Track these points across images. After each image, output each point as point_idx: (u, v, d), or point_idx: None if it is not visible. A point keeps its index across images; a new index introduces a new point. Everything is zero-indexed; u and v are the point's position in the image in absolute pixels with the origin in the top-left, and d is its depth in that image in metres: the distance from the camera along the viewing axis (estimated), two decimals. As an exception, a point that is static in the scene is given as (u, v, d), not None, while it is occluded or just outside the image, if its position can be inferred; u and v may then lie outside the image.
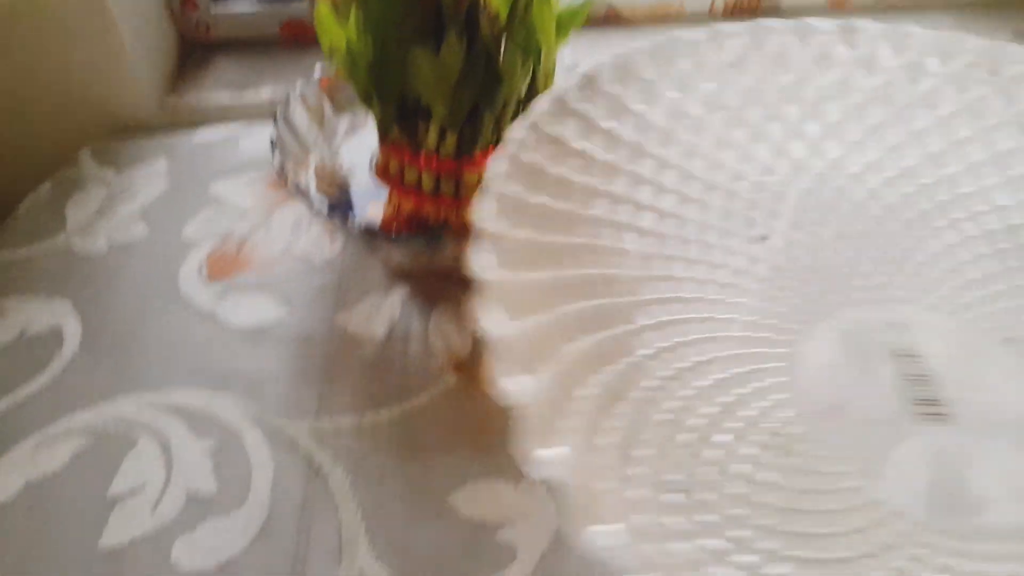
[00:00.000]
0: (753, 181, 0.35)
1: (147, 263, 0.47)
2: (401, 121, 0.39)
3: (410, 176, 0.41)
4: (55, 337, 0.42)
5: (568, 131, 0.32)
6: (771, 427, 0.27)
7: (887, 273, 0.32)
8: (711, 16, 0.68)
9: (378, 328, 0.42)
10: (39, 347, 0.42)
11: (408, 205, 0.42)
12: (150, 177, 0.53)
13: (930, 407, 0.27)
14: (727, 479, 0.26)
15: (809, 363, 0.29)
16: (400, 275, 0.45)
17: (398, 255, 0.39)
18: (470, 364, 0.40)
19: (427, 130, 0.38)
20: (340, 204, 0.44)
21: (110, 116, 0.60)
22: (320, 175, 0.45)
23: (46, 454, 0.36)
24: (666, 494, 0.25)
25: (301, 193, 0.38)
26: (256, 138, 0.56)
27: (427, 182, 0.40)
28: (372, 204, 0.44)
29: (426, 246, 0.38)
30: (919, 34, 0.34)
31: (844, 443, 0.27)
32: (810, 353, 0.29)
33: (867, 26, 0.35)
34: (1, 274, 0.46)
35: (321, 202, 0.41)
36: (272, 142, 0.41)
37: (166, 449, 0.37)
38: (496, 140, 0.39)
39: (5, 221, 0.50)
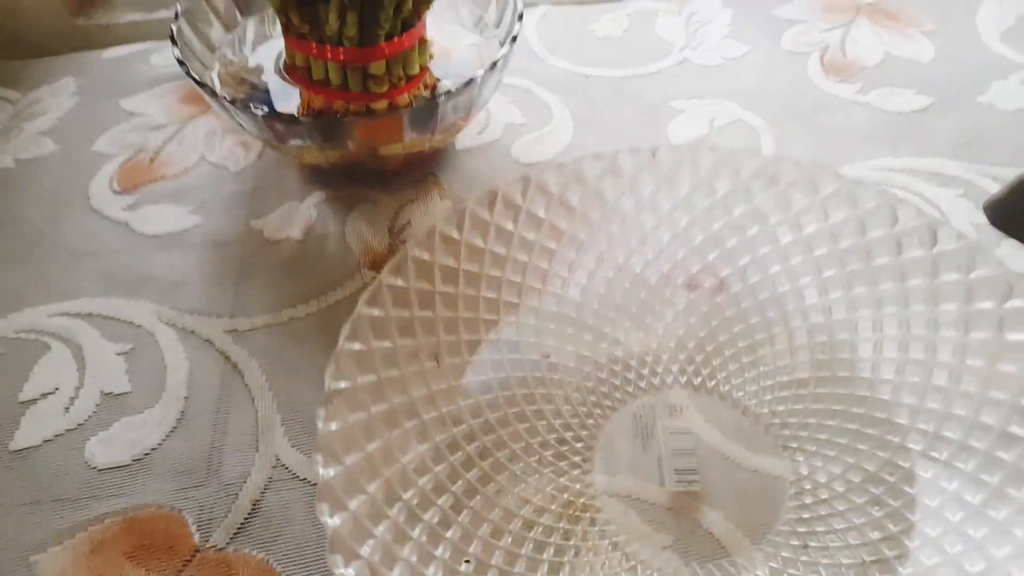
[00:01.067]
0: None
1: (56, 178, 0.45)
2: (301, 8, 0.37)
3: (317, 71, 0.40)
4: (-40, 253, 0.41)
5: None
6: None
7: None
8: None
9: (294, 231, 0.42)
10: (-56, 263, 0.40)
11: (317, 102, 0.41)
12: (58, 95, 0.51)
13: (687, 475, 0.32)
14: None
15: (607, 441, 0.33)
16: (315, 178, 0.44)
17: (306, 148, 0.39)
18: (387, 261, 0.40)
19: (327, 14, 0.37)
20: (243, 102, 0.43)
21: (17, 37, 0.57)
22: (226, 78, 0.44)
23: (-47, 364, 0.36)
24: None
25: (206, 90, 0.37)
26: (167, 53, 0.54)
27: (334, 76, 0.40)
28: (282, 106, 0.43)
29: (330, 135, 0.37)
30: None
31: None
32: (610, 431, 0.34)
33: (666, 153, 0.37)
34: (-99, 195, 0.44)
35: (223, 94, 0.40)
36: (172, 38, 0.39)
37: (79, 354, 0.36)
38: (400, 27, 0.39)
39: (-96, 144, 0.48)
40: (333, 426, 0.27)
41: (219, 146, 0.47)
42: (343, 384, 0.28)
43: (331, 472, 0.26)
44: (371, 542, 0.26)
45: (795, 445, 0.33)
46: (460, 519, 0.29)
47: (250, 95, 0.43)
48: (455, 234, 0.34)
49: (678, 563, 0.29)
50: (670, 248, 0.37)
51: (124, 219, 0.43)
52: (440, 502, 0.29)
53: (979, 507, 0.29)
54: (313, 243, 0.41)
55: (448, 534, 0.28)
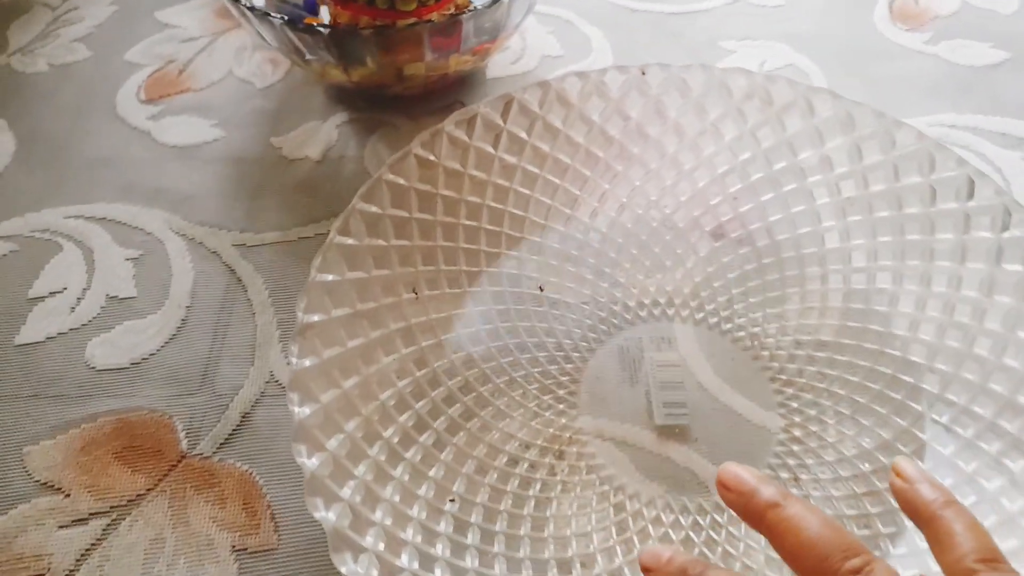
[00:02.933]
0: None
1: (86, 84, 0.45)
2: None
3: (344, -15, 0.38)
4: (-13, 151, 0.41)
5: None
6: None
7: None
8: None
9: (313, 151, 0.41)
10: (-29, 160, 0.41)
11: (343, 17, 0.40)
12: (96, 4, 0.51)
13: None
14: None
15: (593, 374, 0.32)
16: (339, 99, 0.43)
17: (323, 58, 0.37)
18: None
19: (354, -74, 0.35)
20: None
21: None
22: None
23: (-31, 257, 0.36)
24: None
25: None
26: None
27: (362, -8, 0.38)
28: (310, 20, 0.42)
29: (348, 49, 0.36)
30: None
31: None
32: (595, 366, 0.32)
33: (657, 73, 0.35)
34: (-63, 91, 0.45)
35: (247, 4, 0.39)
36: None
37: (89, 257, 0.36)
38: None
39: (-53, 43, 0.49)
40: (307, 362, 0.26)
41: (248, 61, 0.46)
42: (316, 317, 0.27)
43: (307, 411, 0.25)
44: (352, 483, 0.25)
45: (795, 404, 0.31)
46: (443, 457, 0.28)
47: (279, 8, 0.42)
48: (462, 137, 0.33)
49: (665, 496, 0.28)
50: (679, 188, 0.35)
51: (147, 128, 0.42)
52: (422, 439, 0.28)
53: (994, 494, 0.26)
54: (331, 164, 0.40)
55: (431, 472, 0.27)
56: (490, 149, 0.34)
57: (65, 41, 0.48)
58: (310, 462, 0.23)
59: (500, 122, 0.34)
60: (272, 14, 0.35)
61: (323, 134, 0.42)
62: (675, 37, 0.47)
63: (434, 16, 0.39)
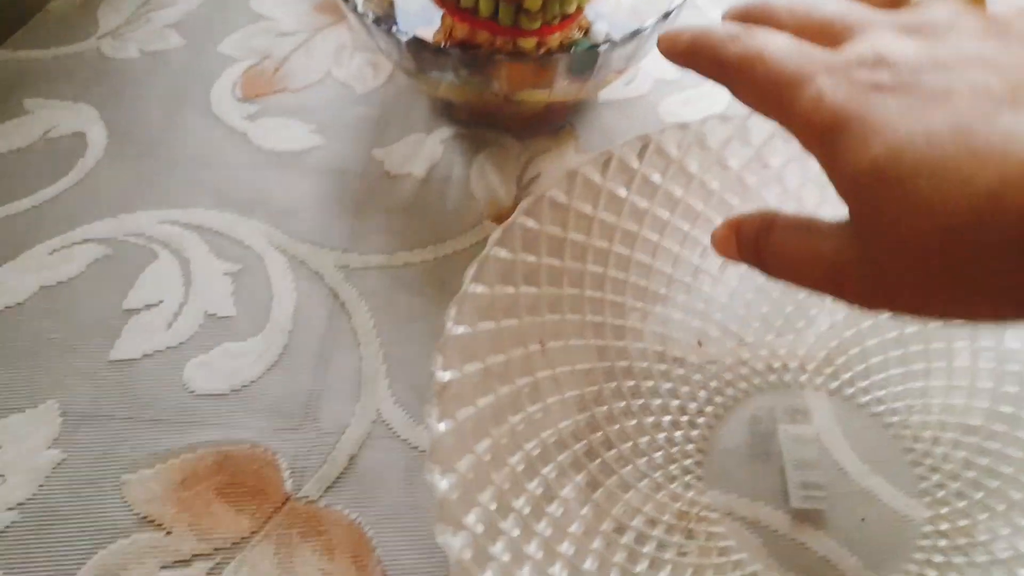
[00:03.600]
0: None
1: (179, 75, 0.43)
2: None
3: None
4: (79, 142, 0.40)
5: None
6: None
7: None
8: None
9: (417, 168, 0.39)
10: (62, 151, 0.39)
11: (461, 31, 0.37)
12: (188, -13, 0.49)
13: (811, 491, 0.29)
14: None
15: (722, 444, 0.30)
16: (445, 112, 0.41)
17: (442, 79, 0.35)
18: (511, 215, 0.37)
19: (490, -60, 0.33)
20: (387, 21, 0.40)
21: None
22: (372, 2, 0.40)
23: (63, 259, 0.35)
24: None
25: (350, 5, 0.34)
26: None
27: (485, 6, 0.36)
28: (423, 28, 0.40)
29: (476, 72, 0.34)
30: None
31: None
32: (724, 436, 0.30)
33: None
34: (26, 73, 0.43)
35: (366, 12, 0.37)
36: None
37: (186, 268, 0.35)
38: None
39: (35, 18, 0.47)
40: (442, 427, 0.24)
41: (347, 63, 0.44)
42: (449, 375, 0.25)
43: (446, 484, 0.23)
44: (492, 566, 0.23)
45: (941, 493, 0.29)
46: (572, 530, 0.26)
47: (389, 12, 0.40)
48: (596, 180, 0.31)
49: None
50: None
51: (244, 129, 0.40)
52: (550, 510, 0.26)
53: None
54: (436, 184, 0.38)
55: (562, 548, 0.25)
56: (623, 191, 0.32)
57: (157, 27, 0.46)
58: (455, 544, 0.22)
59: (635, 164, 0.32)
60: (397, 30, 0.32)
61: (427, 150, 0.40)
62: (795, 68, 0.45)
63: (559, 37, 0.37)
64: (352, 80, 0.43)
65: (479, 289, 0.27)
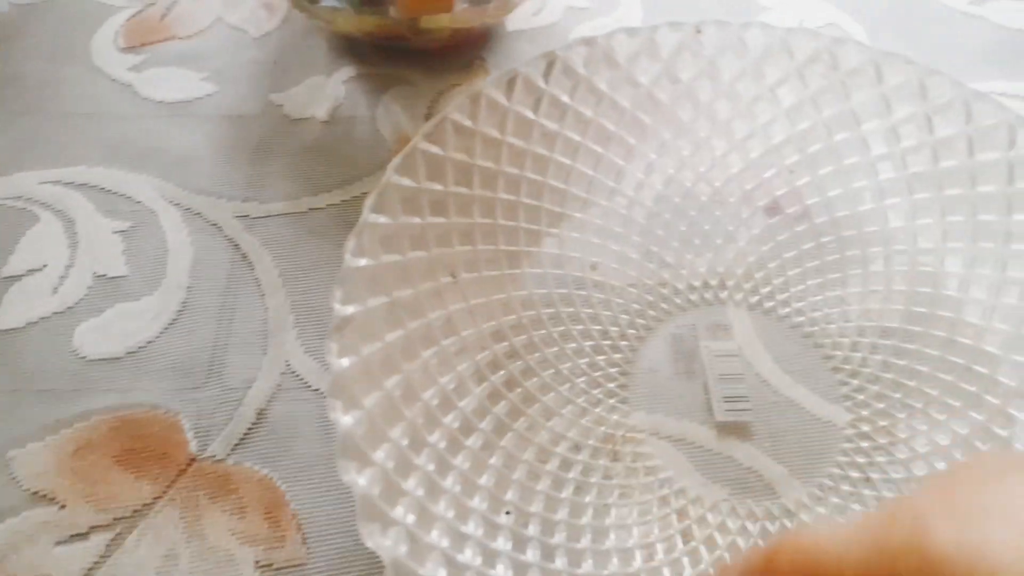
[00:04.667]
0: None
1: (56, 29, 0.40)
2: None
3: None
4: (-54, 105, 0.36)
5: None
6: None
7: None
8: None
9: (319, 110, 0.37)
10: (-74, 115, 0.36)
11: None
12: (61, -65, 0.45)
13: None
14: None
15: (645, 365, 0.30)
16: (346, 52, 0.39)
17: (340, 13, 0.33)
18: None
19: None
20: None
21: None
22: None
23: (-69, 228, 0.32)
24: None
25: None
26: None
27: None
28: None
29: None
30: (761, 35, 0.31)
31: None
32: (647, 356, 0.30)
33: (711, 32, 0.31)
34: None
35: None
36: None
37: (71, 229, 0.32)
38: None
39: None
40: (346, 362, 0.23)
41: (239, 7, 0.41)
42: (351, 309, 0.24)
43: (350, 420, 0.21)
44: (404, 501, 0.22)
45: (861, 396, 0.28)
46: (492, 462, 0.25)
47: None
48: (502, 101, 0.29)
49: (729, 500, 0.26)
50: (731, 159, 0.32)
51: (129, 80, 0.38)
52: (469, 443, 0.25)
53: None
54: (340, 125, 0.36)
55: (482, 481, 0.24)
56: (530, 114, 0.30)
57: (27, -23, 0.42)
58: (361, 481, 0.20)
59: (542, 84, 0.30)
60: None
61: (329, 91, 0.38)
62: (707, -12, 0.44)
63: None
64: (245, 24, 0.41)
65: (380, 220, 0.26)
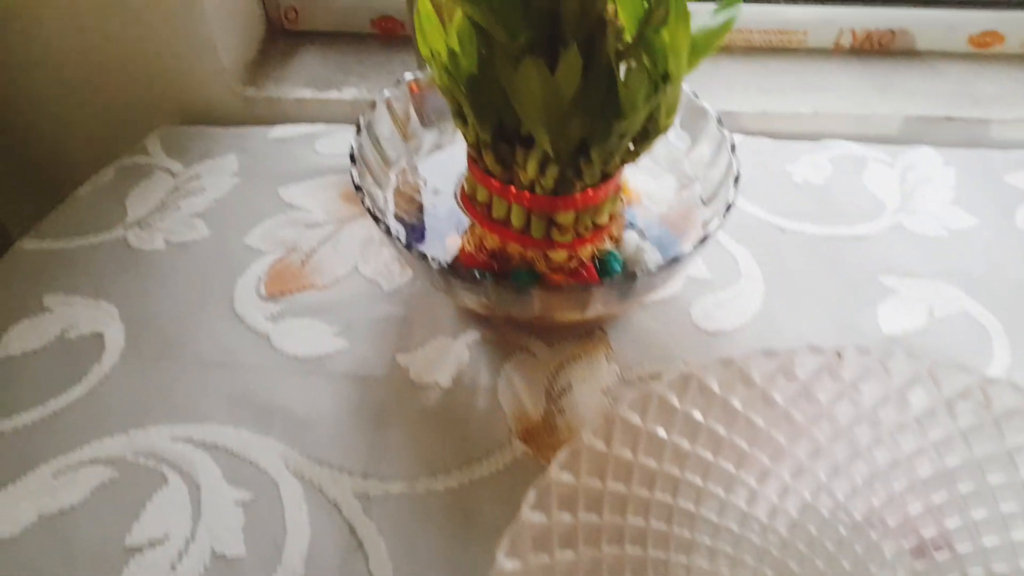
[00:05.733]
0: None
1: (204, 269, 0.43)
2: (497, 146, 0.33)
3: (499, 209, 0.36)
4: (96, 344, 0.39)
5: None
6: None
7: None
8: (835, 51, 0.61)
9: (442, 376, 0.37)
10: (77, 354, 0.38)
11: (492, 241, 0.37)
12: (219, 173, 0.49)
13: None
14: None
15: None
16: (472, 313, 0.40)
17: (473, 298, 0.34)
18: (541, 433, 0.35)
19: (525, 160, 0.33)
20: (418, 229, 0.39)
21: (185, 101, 0.57)
22: (400, 196, 0.40)
23: (66, 483, 0.33)
24: None
25: (378, 220, 0.33)
26: (334, 139, 0.52)
27: (516, 218, 0.35)
28: (451, 234, 0.39)
29: (507, 291, 0.33)
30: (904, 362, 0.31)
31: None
32: None
33: (854, 358, 0.31)
34: (49, 264, 0.43)
35: (399, 232, 0.36)
36: (352, 156, 0.36)
37: (195, 495, 0.33)
38: (601, 177, 0.34)
39: (64, 203, 0.47)
40: None
41: (374, 258, 0.43)
42: None
43: None
44: None
45: None
46: None
47: (418, 218, 0.40)
48: (635, 422, 0.29)
49: None
50: (873, 489, 0.31)
51: (266, 331, 0.39)
52: None
53: None
54: (461, 395, 0.37)
55: None
56: (663, 433, 0.30)
57: (185, 215, 0.46)
58: None
59: (676, 404, 0.30)
60: (431, 257, 0.32)
61: (454, 355, 0.38)
62: (831, 265, 0.43)
63: (591, 249, 0.36)
64: (378, 276, 0.42)
65: (512, 565, 0.25)
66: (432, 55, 0.33)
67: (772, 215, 0.47)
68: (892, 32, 0.59)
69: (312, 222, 0.46)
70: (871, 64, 0.60)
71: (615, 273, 0.37)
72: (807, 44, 0.61)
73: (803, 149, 0.52)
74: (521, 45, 0.29)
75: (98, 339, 0.39)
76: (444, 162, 0.42)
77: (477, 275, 0.31)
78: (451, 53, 0.32)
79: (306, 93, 0.56)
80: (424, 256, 0.32)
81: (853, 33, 0.59)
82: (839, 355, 0.31)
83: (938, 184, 0.49)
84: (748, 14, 0.59)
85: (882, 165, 0.50)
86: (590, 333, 0.40)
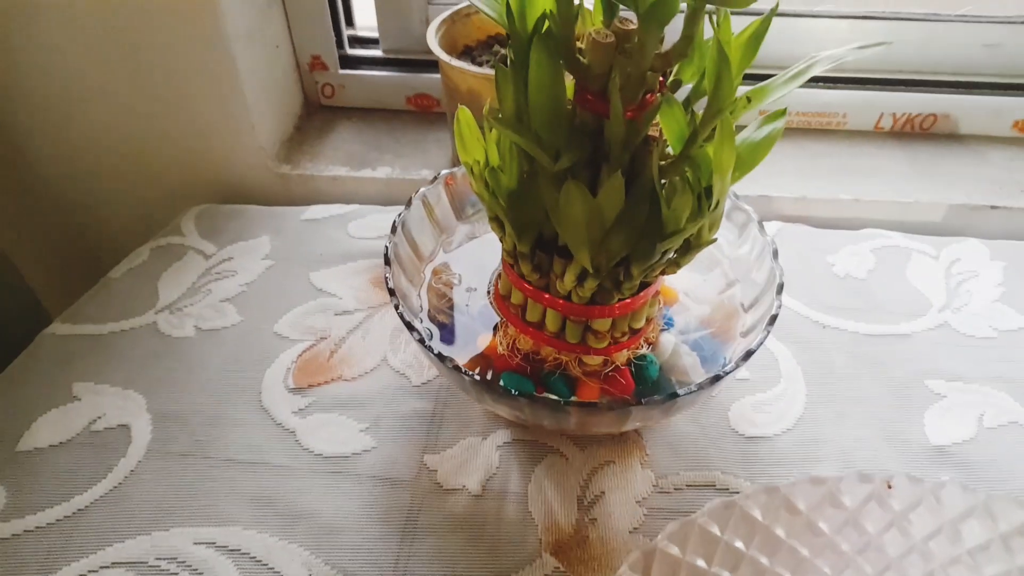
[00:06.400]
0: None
1: (233, 358, 0.42)
2: (534, 254, 0.33)
3: (533, 313, 0.35)
4: (123, 436, 0.38)
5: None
6: None
7: None
8: (876, 133, 0.60)
9: (471, 481, 0.36)
10: (105, 446, 0.38)
11: (525, 344, 0.36)
12: (251, 255, 0.49)
13: None
14: None
15: None
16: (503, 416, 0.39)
17: (507, 410, 0.34)
18: (572, 547, 0.34)
19: (563, 271, 0.32)
20: (449, 328, 0.39)
21: (222, 178, 0.57)
22: (432, 292, 0.40)
23: (86, 591, 0.32)
24: None
25: (412, 328, 0.33)
26: (367, 222, 0.52)
27: (552, 322, 0.35)
28: (483, 333, 0.39)
29: (543, 408, 0.32)
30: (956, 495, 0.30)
31: None
32: None
33: (904, 487, 0.30)
34: (79, 350, 0.43)
35: (432, 338, 0.36)
36: (387, 259, 0.36)
37: (216, 605, 0.32)
38: (639, 289, 0.33)
39: (97, 285, 0.47)
40: None
41: (404, 349, 0.43)
42: None
43: None
44: None
45: None
46: None
47: (450, 316, 0.39)
48: (674, 554, 0.27)
49: None
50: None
51: (293, 427, 0.39)
52: None
53: None
54: (491, 502, 0.36)
55: None
56: (703, 564, 0.28)
57: (215, 300, 0.46)
58: None
59: (717, 533, 0.28)
60: (465, 372, 0.31)
61: (483, 458, 0.37)
62: (874, 366, 0.42)
63: (627, 354, 0.35)
64: (407, 369, 0.42)
65: None
66: (472, 166, 0.32)
67: (812, 310, 0.45)
68: (934, 116, 0.58)
69: (342, 309, 0.45)
70: (912, 146, 0.59)
71: (652, 379, 0.36)
72: (846, 126, 0.60)
73: (844, 239, 0.51)
74: (563, 167, 0.29)
75: (125, 431, 0.38)
76: (478, 253, 0.42)
77: (513, 392, 0.30)
78: (492, 170, 0.31)
79: (341, 171, 0.56)
80: (458, 368, 0.31)
81: (894, 117, 0.59)
82: (889, 485, 0.29)
83: (985, 280, 0.47)
84: (786, 96, 0.59)
85: (926, 258, 0.49)
86: (624, 436, 0.38)
